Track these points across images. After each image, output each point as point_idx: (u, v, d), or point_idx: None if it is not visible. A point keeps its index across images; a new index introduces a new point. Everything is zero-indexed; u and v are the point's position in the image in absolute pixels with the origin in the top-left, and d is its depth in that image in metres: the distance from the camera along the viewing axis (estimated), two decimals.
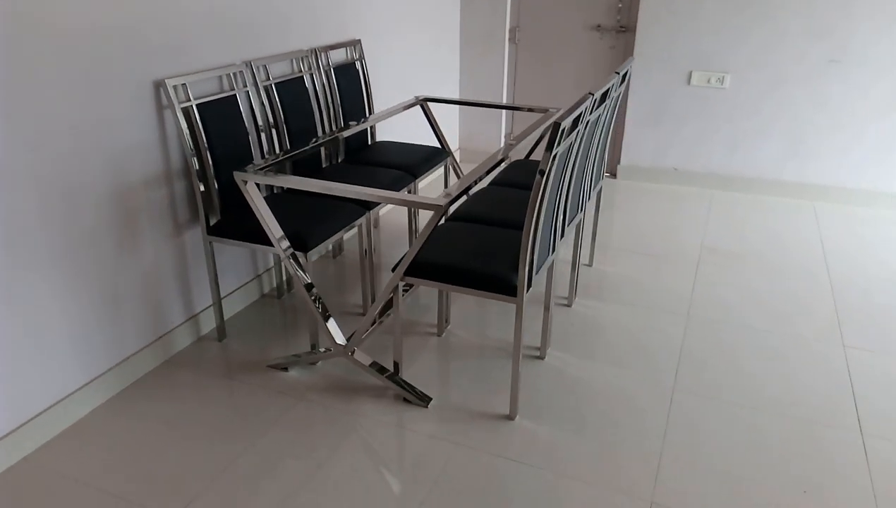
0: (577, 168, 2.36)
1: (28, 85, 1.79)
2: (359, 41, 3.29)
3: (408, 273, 2.09)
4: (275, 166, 2.22)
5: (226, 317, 2.67)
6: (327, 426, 2.09)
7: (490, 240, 2.21)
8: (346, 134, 2.64)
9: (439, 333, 2.61)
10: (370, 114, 3.35)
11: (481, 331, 2.63)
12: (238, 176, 2.12)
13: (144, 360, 2.31)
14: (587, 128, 2.23)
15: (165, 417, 2.11)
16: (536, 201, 1.89)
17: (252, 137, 2.59)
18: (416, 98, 3.24)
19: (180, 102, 2.26)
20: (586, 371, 2.39)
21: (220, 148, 2.40)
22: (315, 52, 2.96)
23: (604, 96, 2.41)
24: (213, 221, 2.40)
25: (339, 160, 3.14)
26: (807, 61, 3.87)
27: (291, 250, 2.21)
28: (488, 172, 2.17)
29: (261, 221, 2.15)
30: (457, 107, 4.76)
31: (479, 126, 4.79)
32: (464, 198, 2.39)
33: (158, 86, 2.21)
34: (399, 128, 3.92)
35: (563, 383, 2.32)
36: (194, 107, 2.30)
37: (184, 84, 2.28)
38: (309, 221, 2.35)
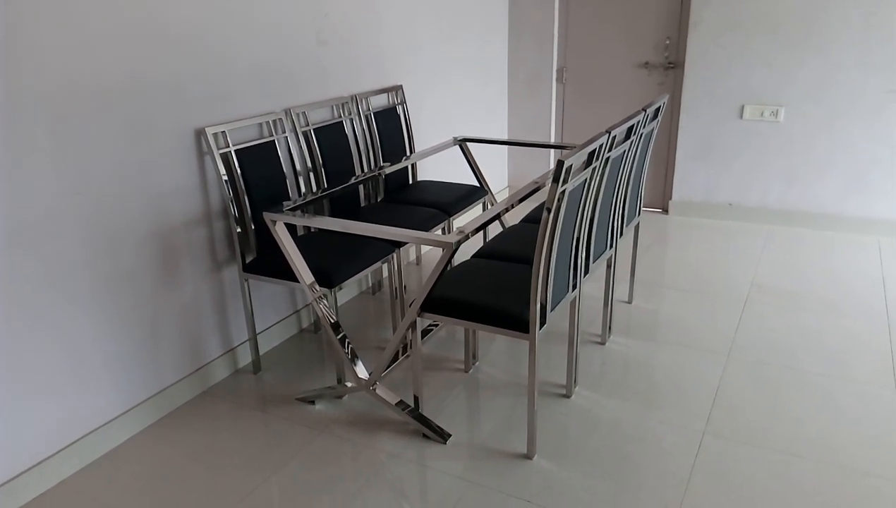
0: (602, 204, 2.35)
1: (75, 135, 1.98)
2: (400, 86, 3.41)
3: (425, 309, 2.13)
4: (310, 206, 2.32)
5: (264, 351, 2.78)
6: (345, 459, 2.13)
7: (509, 277, 2.22)
8: (387, 172, 2.75)
9: (466, 369, 2.62)
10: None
11: (510, 368, 2.63)
12: (268, 216, 2.23)
13: (182, 391, 2.44)
14: (606, 165, 2.23)
15: (195, 447, 2.21)
16: (545, 238, 1.90)
17: (290, 180, 2.72)
18: (455, 138, 3.32)
19: (219, 149, 2.41)
20: (613, 411, 2.33)
21: (258, 190, 2.54)
22: (355, 98, 3.10)
23: (630, 132, 2.40)
24: (249, 259, 2.52)
25: (379, 199, 3.24)
26: (865, 93, 3.71)
27: (318, 289, 2.30)
28: (507, 211, 2.19)
29: (288, 260, 2.25)
30: (505, 146, 4.81)
31: (527, 164, 4.82)
32: (498, 233, 2.41)
33: (199, 134, 2.38)
34: (447, 167, 4.01)
35: (587, 422, 2.27)
36: (233, 153, 2.45)
37: (223, 131, 2.44)
38: (336, 259, 2.44)
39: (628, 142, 2.41)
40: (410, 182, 3.47)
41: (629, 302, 3.15)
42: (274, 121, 2.67)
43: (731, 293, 3.20)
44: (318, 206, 2.90)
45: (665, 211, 4.46)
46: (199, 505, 1.95)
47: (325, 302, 2.30)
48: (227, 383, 2.58)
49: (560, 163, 1.79)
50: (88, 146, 2.02)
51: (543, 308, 2.02)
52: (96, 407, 2.15)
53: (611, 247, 2.63)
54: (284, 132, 2.70)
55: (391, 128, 3.31)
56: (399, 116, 3.37)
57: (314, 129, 2.84)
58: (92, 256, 2.07)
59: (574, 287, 2.28)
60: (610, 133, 2.13)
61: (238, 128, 2.51)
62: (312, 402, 2.44)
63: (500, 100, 4.63)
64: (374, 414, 2.35)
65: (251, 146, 2.53)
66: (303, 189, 2.80)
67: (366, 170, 3.16)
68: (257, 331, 2.72)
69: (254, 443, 2.22)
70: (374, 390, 2.31)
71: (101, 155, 2.06)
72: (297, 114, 2.78)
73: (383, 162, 3.24)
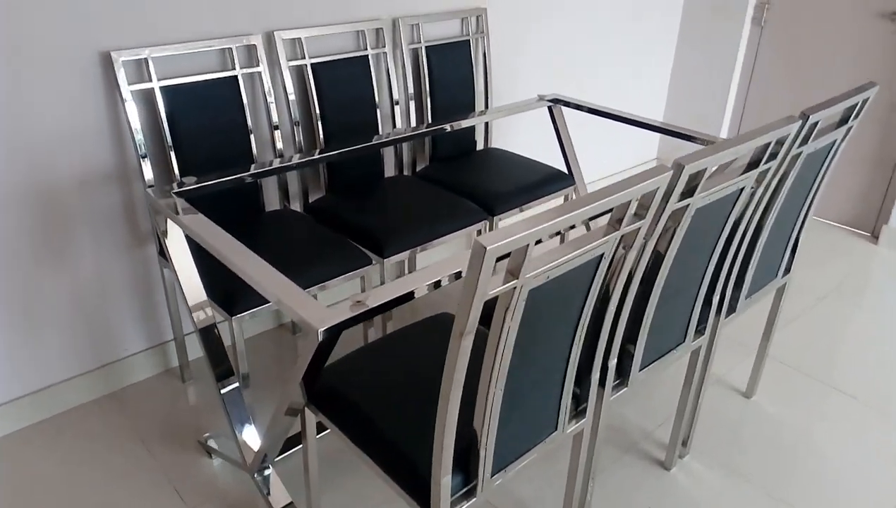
0: (673, 281, 1.31)
1: None
2: (483, 10, 2.42)
3: (312, 398, 1.32)
4: (289, 173, 1.56)
5: None
6: None
7: None
8: (446, 130, 1.89)
9: None
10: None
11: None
12: (151, 200, 1.52)
13: (73, 392, 1.89)
14: (693, 219, 1.18)
15: (27, 480, 1.67)
16: (492, 368, 0.96)
17: (257, 136, 1.96)
18: (540, 97, 2.31)
19: (134, 83, 1.71)
20: None
21: (194, 146, 1.81)
22: (397, 24, 2.19)
23: (767, 155, 1.29)
24: None
25: (419, 169, 2.37)
26: None
27: (209, 312, 1.57)
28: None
29: (169, 265, 1.54)
30: (661, 104, 3.56)
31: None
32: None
33: (106, 59, 1.69)
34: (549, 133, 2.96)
35: None
36: (157, 91, 1.74)
37: (145, 59, 1.72)
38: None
39: (753, 173, 1.30)
40: (480, 147, 2.54)
41: (747, 395, 2.03)
42: (247, 48, 1.89)
43: None
44: (310, 176, 2.10)
45: (874, 237, 3.03)
46: None
47: (212, 334, 1.57)
48: (144, 387, 2.00)
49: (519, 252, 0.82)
50: None
51: (467, 472, 1.11)
52: None
53: (698, 333, 1.56)
54: (258, 65, 1.92)
55: (453, 71, 2.36)
56: (470, 53, 2.40)
57: (313, 64, 2.02)
58: None
59: (578, 415, 1.30)
60: (682, 167, 1.07)
61: (175, 55, 1.78)
62: (210, 455, 1.77)
63: (667, 43, 3.36)
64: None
65: (192, 83, 1.79)
66: (279, 149, 2.02)
67: (399, 127, 2.28)
68: (188, 330, 2.08)
69: (103, 496, 1.62)
70: (265, 478, 1.57)
71: None
72: (289, 42, 1.97)
73: (431, 119, 2.34)
